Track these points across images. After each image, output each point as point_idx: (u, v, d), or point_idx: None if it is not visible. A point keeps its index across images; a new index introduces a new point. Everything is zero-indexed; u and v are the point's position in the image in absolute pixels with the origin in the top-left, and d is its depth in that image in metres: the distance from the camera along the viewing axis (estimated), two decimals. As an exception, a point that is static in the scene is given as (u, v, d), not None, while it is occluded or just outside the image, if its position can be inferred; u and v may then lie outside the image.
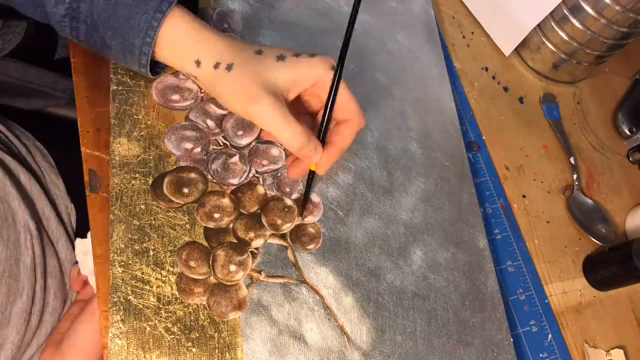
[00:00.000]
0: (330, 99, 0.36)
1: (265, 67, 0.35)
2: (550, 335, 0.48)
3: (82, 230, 0.50)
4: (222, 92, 0.36)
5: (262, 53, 0.35)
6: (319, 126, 0.37)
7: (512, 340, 0.44)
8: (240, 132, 0.42)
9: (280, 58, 0.35)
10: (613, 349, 0.50)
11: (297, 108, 0.38)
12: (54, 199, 0.49)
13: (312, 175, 0.39)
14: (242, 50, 0.35)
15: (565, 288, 0.52)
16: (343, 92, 0.36)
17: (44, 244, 0.44)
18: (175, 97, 0.41)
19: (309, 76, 0.35)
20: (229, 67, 0.35)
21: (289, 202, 0.41)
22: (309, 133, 0.35)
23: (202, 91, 0.43)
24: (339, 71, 0.35)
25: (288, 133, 0.34)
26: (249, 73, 0.34)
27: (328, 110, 0.36)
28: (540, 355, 0.47)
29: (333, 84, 0.36)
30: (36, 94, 0.53)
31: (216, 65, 0.35)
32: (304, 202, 0.41)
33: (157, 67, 0.39)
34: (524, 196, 0.54)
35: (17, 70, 0.48)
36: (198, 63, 0.35)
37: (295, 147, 0.35)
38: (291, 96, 0.36)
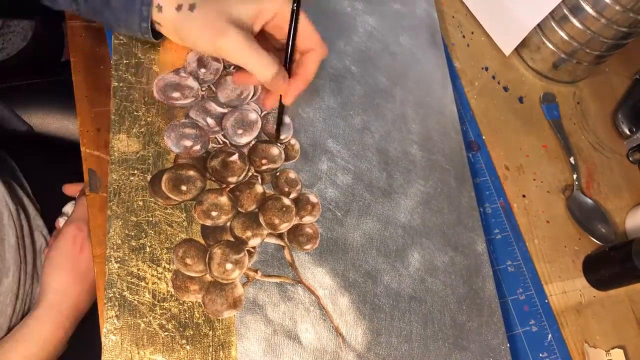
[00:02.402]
0: (293, 26, 0.35)
1: (226, 2, 0.34)
2: (550, 335, 0.45)
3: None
4: (188, 33, 0.34)
5: None
6: (283, 58, 0.36)
7: (508, 345, 0.40)
8: (240, 131, 0.39)
9: None
10: (613, 348, 0.47)
11: (262, 44, 0.37)
12: (27, 190, 0.47)
13: (282, 105, 0.38)
14: None
15: (565, 288, 0.48)
16: (304, 22, 0.35)
17: (23, 230, 0.42)
18: (176, 94, 0.39)
19: (270, 7, 0.35)
20: (192, 8, 0.33)
21: (287, 201, 0.38)
22: (279, 63, 0.35)
23: (203, 89, 0.40)
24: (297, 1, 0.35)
25: (260, 63, 0.34)
26: (212, 10, 0.33)
27: (292, 38, 0.36)
28: (540, 355, 0.44)
29: (293, 12, 0.35)
30: None
31: (178, 8, 0.33)
32: (277, 129, 0.40)
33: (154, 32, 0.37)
34: (523, 196, 0.51)
35: None
36: (160, 8, 0.33)
37: (269, 77, 0.34)
38: (256, 29, 0.35)
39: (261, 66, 0.34)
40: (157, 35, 0.36)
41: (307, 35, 0.36)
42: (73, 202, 0.45)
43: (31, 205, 0.46)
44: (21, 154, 0.51)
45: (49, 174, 0.48)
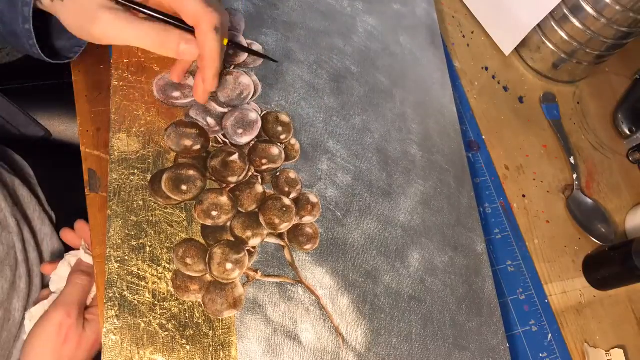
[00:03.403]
0: None
1: None
2: (550, 335, 0.45)
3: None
4: (66, 23, 0.32)
5: None
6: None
7: (508, 345, 0.40)
8: (240, 131, 0.39)
9: None
10: (613, 348, 0.47)
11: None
12: (39, 197, 0.46)
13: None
14: None
15: (565, 288, 0.48)
16: None
17: (25, 242, 0.42)
18: (176, 94, 0.39)
19: None
20: None
21: (287, 201, 0.38)
22: (165, 26, 0.32)
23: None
24: None
25: (140, 35, 0.31)
26: None
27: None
28: (540, 355, 0.44)
29: None
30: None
31: None
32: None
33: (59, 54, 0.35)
34: (523, 196, 0.51)
35: None
36: (40, 1, 0.31)
37: (157, 45, 0.32)
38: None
39: (143, 36, 0.31)
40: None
41: (188, 5, 0.32)
42: (66, 260, 0.41)
43: (37, 211, 0.46)
44: (36, 159, 0.50)
45: (64, 180, 0.47)
